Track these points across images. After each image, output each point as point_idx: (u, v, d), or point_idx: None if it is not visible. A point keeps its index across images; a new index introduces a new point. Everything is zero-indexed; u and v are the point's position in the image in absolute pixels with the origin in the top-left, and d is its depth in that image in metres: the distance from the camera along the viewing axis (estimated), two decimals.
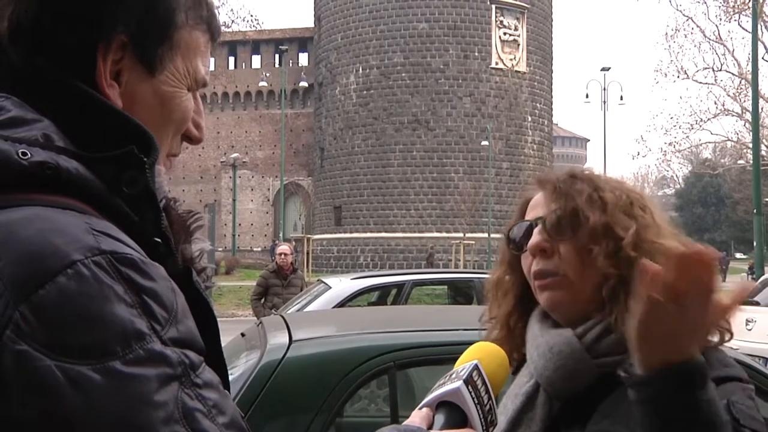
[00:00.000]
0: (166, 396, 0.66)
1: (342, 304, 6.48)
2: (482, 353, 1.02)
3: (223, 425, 0.70)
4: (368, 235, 46.45)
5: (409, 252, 44.44)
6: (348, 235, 47.32)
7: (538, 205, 1.30)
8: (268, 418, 2.24)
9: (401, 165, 45.90)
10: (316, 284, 7.82)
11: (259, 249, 53.54)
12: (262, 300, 8.94)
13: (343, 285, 6.97)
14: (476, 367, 0.97)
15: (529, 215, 1.31)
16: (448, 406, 0.95)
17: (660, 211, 1.28)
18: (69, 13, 0.80)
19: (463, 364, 1.00)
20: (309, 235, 39.88)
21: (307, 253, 33.07)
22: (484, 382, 0.96)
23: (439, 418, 0.94)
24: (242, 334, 2.91)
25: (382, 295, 7.83)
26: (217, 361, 0.79)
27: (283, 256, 8.91)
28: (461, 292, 8.27)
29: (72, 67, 0.80)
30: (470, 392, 0.94)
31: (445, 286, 9.23)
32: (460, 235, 40.20)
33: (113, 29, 0.81)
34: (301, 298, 7.29)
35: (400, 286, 7.46)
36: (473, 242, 38.76)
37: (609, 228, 1.20)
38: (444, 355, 2.71)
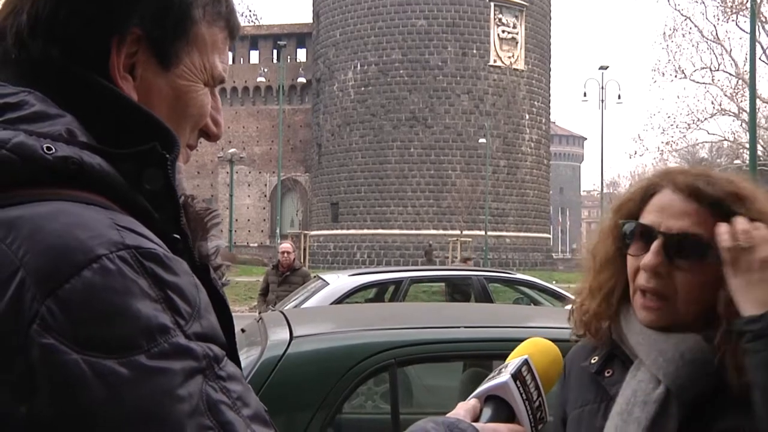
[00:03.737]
0: (190, 389, 0.66)
1: (339, 301, 6.49)
2: (534, 349, 1.01)
3: (248, 417, 0.70)
4: (365, 231, 46.46)
5: (406, 249, 44.46)
6: (345, 231, 47.31)
7: (669, 212, 1.21)
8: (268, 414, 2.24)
9: (398, 162, 45.91)
10: (313, 280, 7.82)
11: (256, 245, 53.50)
12: (266, 296, 9.05)
13: (340, 281, 6.98)
14: (526, 362, 0.96)
15: (651, 216, 1.23)
16: (496, 400, 0.94)
17: None
18: (84, 4, 0.80)
19: (514, 358, 0.99)
20: (306, 231, 39.90)
21: (304, 249, 33.07)
22: (533, 378, 0.95)
23: (486, 412, 0.94)
24: (242, 330, 2.91)
25: (380, 292, 7.83)
26: (233, 357, 0.79)
27: (286, 254, 8.97)
28: (459, 290, 8.27)
29: (85, 59, 0.80)
30: (518, 387, 0.94)
31: (443, 283, 9.22)
32: (457, 232, 40.23)
33: (128, 22, 0.81)
34: (299, 295, 7.29)
35: (397, 282, 7.46)
36: (470, 239, 38.79)
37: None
38: (445, 353, 2.72)
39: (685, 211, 1.20)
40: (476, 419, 0.93)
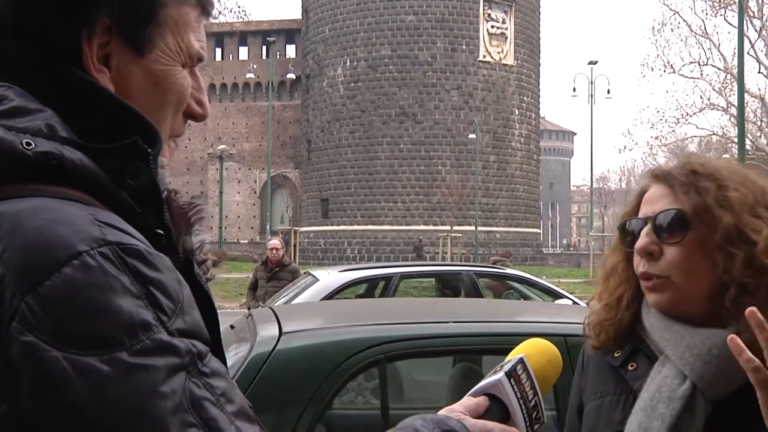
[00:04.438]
0: (173, 385, 0.66)
1: (330, 297, 6.48)
2: (531, 349, 1.00)
3: (232, 413, 0.70)
4: (355, 227, 46.44)
5: (396, 245, 44.47)
6: (335, 227, 47.29)
7: (652, 201, 1.28)
8: (257, 411, 2.21)
9: (388, 158, 45.89)
10: (303, 276, 7.81)
11: (246, 241, 53.41)
12: (255, 291, 9.04)
13: (331, 277, 6.97)
14: (521, 361, 0.96)
15: (643, 210, 1.30)
16: (491, 399, 0.93)
17: None
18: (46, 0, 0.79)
19: (511, 357, 0.98)
20: (296, 228, 39.84)
21: (294, 246, 33.03)
22: (529, 377, 0.95)
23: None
24: (231, 326, 2.90)
25: (370, 288, 7.82)
26: (218, 353, 0.78)
27: (274, 251, 8.96)
28: (449, 285, 8.27)
29: (59, 54, 0.79)
30: (512, 385, 0.93)
31: (433, 279, 9.23)
32: (447, 227, 40.26)
33: (95, 13, 0.79)
34: (289, 291, 7.28)
35: (388, 278, 7.45)
36: (460, 235, 38.84)
37: (740, 232, 1.18)
38: (434, 348, 2.71)
39: (662, 194, 1.27)
40: (479, 417, 0.92)
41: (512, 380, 0.93)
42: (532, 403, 0.94)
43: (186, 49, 0.87)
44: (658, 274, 1.23)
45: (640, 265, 1.26)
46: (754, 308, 1.03)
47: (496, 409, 0.93)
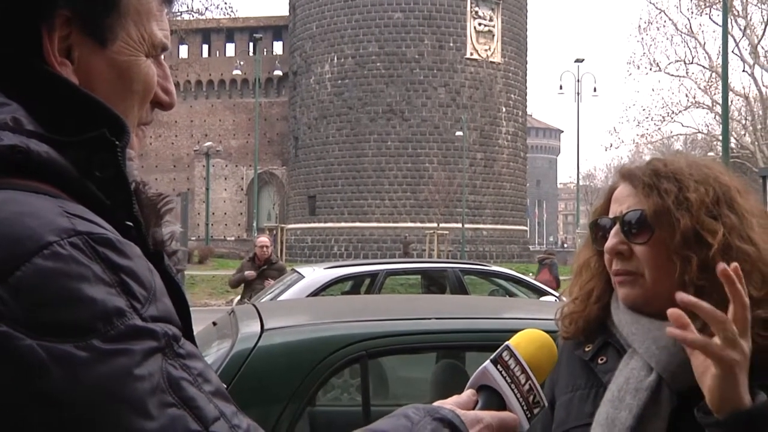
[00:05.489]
0: (150, 368, 0.66)
1: (315, 294, 6.48)
2: (520, 338, 1.01)
3: (210, 393, 0.70)
4: (342, 224, 46.41)
5: (384, 242, 44.48)
6: (322, 224, 47.24)
7: (621, 200, 1.31)
8: (239, 407, 2.23)
9: (376, 155, 45.88)
10: (289, 273, 7.80)
11: (233, 238, 53.25)
12: (241, 286, 9.09)
13: (316, 274, 6.96)
14: (507, 348, 0.97)
15: (613, 209, 1.32)
16: (486, 391, 0.95)
17: (753, 200, 1.28)
18: None
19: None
20: (283, 225, 39.72)
21: (281, 243, 32.97)
22: (518, 363, 0.96)
23: (479, 403, 0.95)
24: (214, 323, 2.90)
25: (356, 285, 7.82)
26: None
27: (264, 248, 8.95)
28: (435, 282, 8.29)
29: (19, 48, 0.78)
30: (500, 371, 0.95)
31: (419, 276, 9.24)
32: (434, 225, 40.31)
33: (53, 5, 0.79)
34: (275, 288, 7.27)
35: (373, 275, 7.46)
36: (447, 232, 38.87)
37: (697, 234, 1.20)
38: (416, 344, 2.72)
39: (628, 194, 1.30)
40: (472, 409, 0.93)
41: (499, 366, 0.95)
42: (527, 387, 0.94)
43: (149, 39, 0.86)
44: (629, 271, 1.26)
45: (612, 263, 1.29)
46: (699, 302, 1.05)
47: (490, 399, 0.94)
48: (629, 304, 1.27)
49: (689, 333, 1.03)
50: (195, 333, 0.88)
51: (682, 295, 1.04)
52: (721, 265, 1.03)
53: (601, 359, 1.31)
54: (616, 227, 1.28)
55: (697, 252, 1.19)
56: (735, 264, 1.04)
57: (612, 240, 1.27)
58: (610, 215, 1.32)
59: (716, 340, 1.02)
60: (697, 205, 1.22)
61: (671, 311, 1.03)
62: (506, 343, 0.98)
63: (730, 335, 1.02)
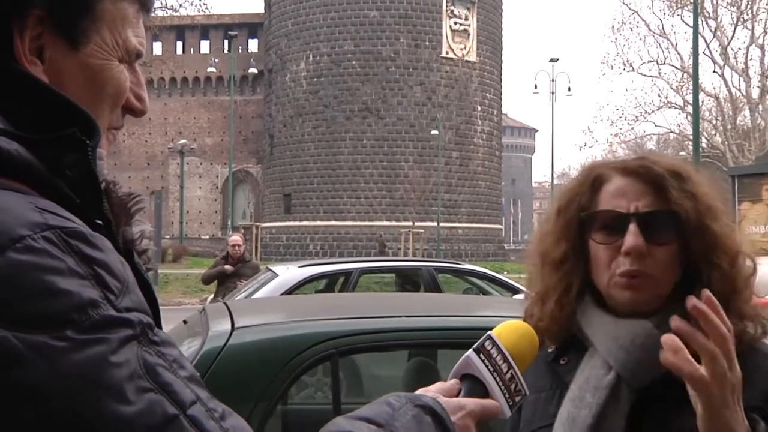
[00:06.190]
0: (127, 355, 0.67)
1: (289, 292, 6.46)
2: (501, 328, 1.03)
3: (185, 378, 0.72)
4: (318, 223, 46.33)
5: (359, 240, 44.47)
6: (297, 223, 47.12)
7: (630, 196, 1.24)
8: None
9: (351, 153, 45.86)
10: (263, 272, 7.78)
11: (208, 237, 52.94)
12: (214, 284, 9.08)
13: (290, 273, 6.95)
14: (489, 337, 0.99)
15: (613, 202, 1.25)
16: (469, 379, 0.97)
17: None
18: None
19: None
20: (258, 223, 39.60)
21: (256, 241, 32.82)
22: (500, 352, 0.97)
23: (462, 391, 0.96)
24: (185, 321, 2.89)
25: (330, 283, 7.81)
26: None
27: (236, 247, 8.93)
28: (409, 280, 8.31)
29: None
30: (483, 360, 0.96)
31: (393, 274, 9.26)
32: (410, 223, 40.38)
33: (27, 4, 0.79)
34: (248, 286, 7.25)
35: (347, 274, 7.46)
36: (422, 231, 38.99)
37: (722, 239, 1.21)
38: (387, 342, 2.73)
39: (642, 192, 1.23)
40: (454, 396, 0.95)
41: (482, 355, 0.97)
42: (508, 375, 0.96)
43: (123, 45, 0.87)
44: (645, 272, 1.20)
45: (624, 263, 1.21)
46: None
47: (473, 388, 0.96)
48: (635, 306, 1.22)
49: (684, 362, 1.02)
50: (166, 331, 0.89)
51: (677, 320, 1.04)
52: (691, 300, 1.01)
53: (563, 360, 1.31)
54: (634, 225, 1.21)
55: (722, 259, 1.20)
56: (707, 292, 1.03)
57: (636, 239, 1.19)
58: (612, 207, 1.24)
59: (703, 371, 1.01)
60: (722, 214, 1.23)
61: (665, 338, 1.03)
62: (489, 332, 1.00)
63: (720, 369, 1.01)
